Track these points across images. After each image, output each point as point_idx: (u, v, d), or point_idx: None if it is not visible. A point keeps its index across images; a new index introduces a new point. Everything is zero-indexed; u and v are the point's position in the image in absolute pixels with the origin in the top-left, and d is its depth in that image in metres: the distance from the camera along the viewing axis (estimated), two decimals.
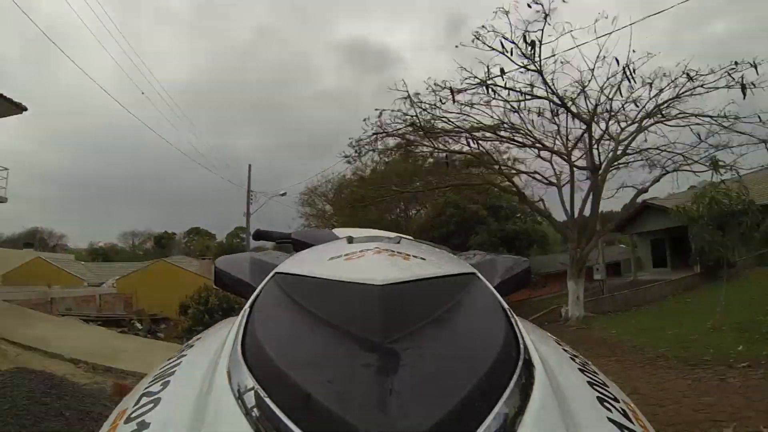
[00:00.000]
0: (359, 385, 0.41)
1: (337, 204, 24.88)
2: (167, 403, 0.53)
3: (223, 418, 0.44)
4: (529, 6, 11.05)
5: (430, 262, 0.68)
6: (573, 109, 13.09)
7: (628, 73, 11.80)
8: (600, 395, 0.56)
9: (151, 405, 0.53)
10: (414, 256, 0.67)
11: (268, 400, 0.42)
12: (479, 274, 0.69)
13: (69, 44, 16.31)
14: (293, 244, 1.33)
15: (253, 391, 0.44)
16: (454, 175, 16.92)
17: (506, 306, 0.63)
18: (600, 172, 13.53)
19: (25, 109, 12.96)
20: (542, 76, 12.10)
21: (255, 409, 0.42)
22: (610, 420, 0.50)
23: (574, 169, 13.88)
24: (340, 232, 1.19)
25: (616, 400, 0.56)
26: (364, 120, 13.84)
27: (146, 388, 0.59)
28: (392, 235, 1.03)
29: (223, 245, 56.86)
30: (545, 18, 11.09)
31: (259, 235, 1.60)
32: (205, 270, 26.79)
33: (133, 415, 0.52)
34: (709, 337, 7.36)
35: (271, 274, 0.71)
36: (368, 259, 0.65)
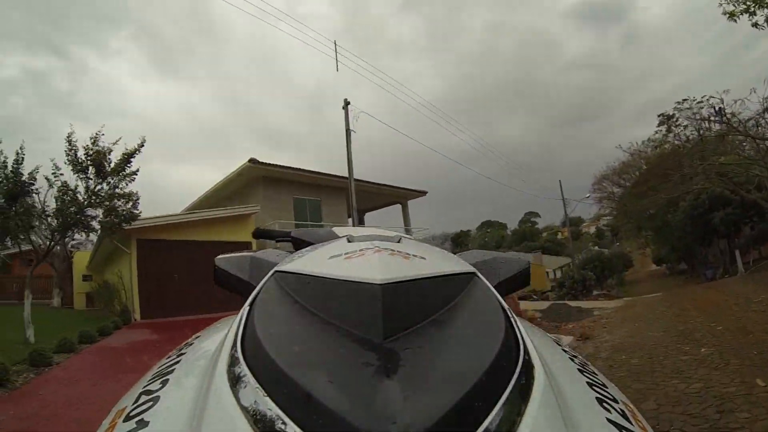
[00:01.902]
0: (359, 384, 0.41)
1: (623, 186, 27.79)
2: (166, 402, 0.53)
3: (222, 417, 0.44)
4: None
5: (430, 262, 0.67)
6: None
7: None
8: (599, 396, 0.56)
9: (150, 403, 0.53)
10: (414, 255, 0.67)
11: (267, 399, 0.42)
12: (479, 274, 0.68)
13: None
14: (293, 243, 1.31)
15: (252, 390, 0.44)
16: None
17: (506, 306, 0.62)
18: None
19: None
20: None
21: (254, 409, 0.42)
22: (609, 420, 0.51)
23: None
24: (339, 230, 1.17)
25: (615, 400, 0.57)
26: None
27: (145, 387, 0.59)
28: (392, 234, 0.99)
29: (518, 232, 61.69)
30: None
31: (259, 234, 1.57)
32: (538, 260, 33.10)
33: (132, 413, 0.52)
34: None
35: (270, 272, 0.70)
36: (368, 257, 0.64)
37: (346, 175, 16.80)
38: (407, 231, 23.98)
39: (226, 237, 14.13)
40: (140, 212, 10.79)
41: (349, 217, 20.43)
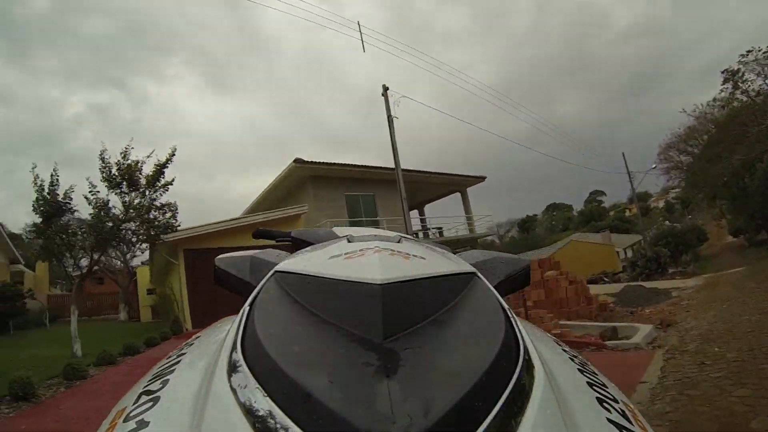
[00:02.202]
0: (359, 384, 0.41)
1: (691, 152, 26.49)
2: (166, 402, 0.54)
3: (222, 418, 0.44)
4: None
5: (430, 262, 0.67)
6: None
7: None
8: (599, 396, 0.56)
9: (151, 404, 0.54)
10: (414, 256, 0.67)
11: (267, 399, 0.42)
12: (479, 274, 0.68)
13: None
14: (293, 243, 1.31)
15: (252, 391, 0.44)
16: None
17: (506, 306, 0.62)
18: None
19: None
20: None
21: (254, 409, 0.42)
22: (609, 420, 0.50)
23: None
24: (339, 231, 1.16)
25: (615, 400, 0.57)
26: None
27: (145, 387, 0.60)
28: (392, 234, 0.99)
29: (584, 212, 61.58)
30: None
31: (260, 234, 1.56)
32: (607, 239, 32.79)
33: (132, 413, 0.52)
34: None
35: (270, 272, 0.71)
36: (368, 257, 0.64)
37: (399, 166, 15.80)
38: (468, 219, 23.05)
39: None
40: (179, 223, 10.88)
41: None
